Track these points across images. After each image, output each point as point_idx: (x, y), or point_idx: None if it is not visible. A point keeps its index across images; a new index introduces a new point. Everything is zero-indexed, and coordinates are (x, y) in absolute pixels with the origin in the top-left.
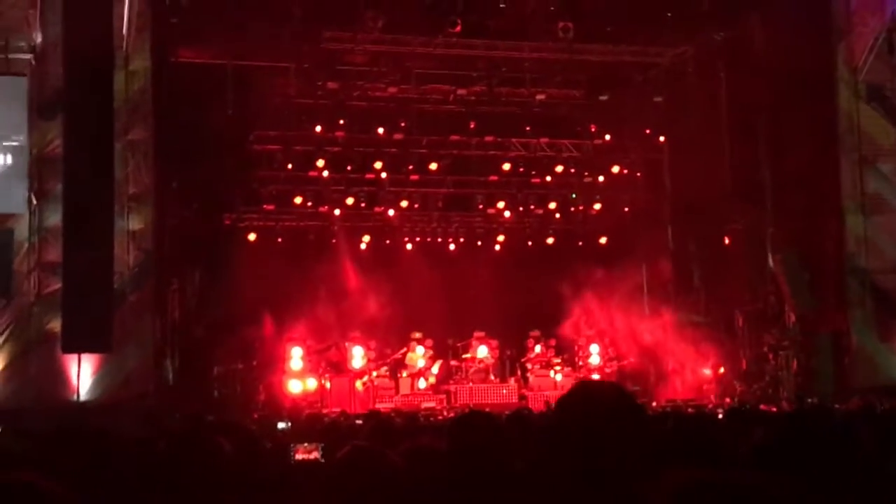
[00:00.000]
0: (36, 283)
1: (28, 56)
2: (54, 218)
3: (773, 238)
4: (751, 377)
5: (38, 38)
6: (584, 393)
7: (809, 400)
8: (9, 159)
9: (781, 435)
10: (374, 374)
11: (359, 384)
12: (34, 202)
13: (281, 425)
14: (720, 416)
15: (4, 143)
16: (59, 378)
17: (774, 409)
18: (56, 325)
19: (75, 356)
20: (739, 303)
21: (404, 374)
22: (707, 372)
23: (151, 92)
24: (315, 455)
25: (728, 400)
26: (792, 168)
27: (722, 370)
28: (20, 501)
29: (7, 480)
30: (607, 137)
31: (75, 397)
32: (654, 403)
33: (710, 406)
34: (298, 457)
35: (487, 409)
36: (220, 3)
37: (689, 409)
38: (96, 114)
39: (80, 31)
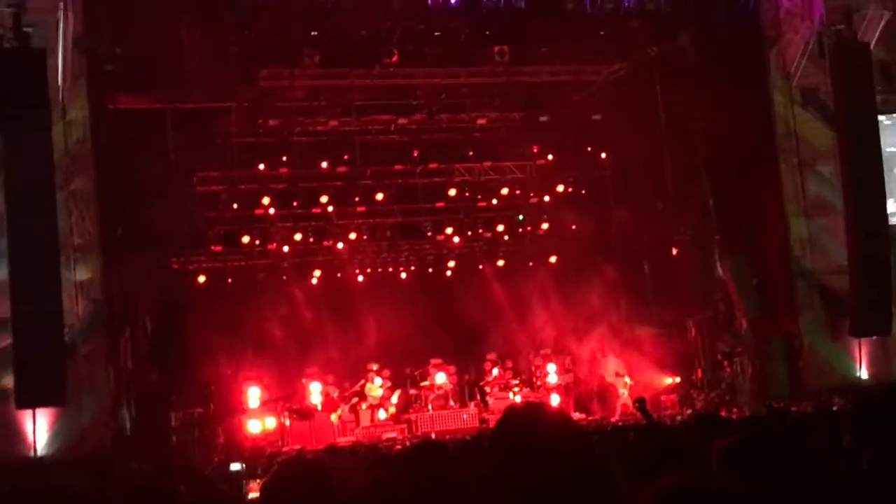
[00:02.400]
0: None
1: None
2: (0, 273)
3: (720, 245)
4: (708, 385)
5: None
6: (511, 422)
7: (770, 404)
8: None
9: (746, 440)
10: (339, 410)
11: (334, 417)
12: None
13: (234, 467)
14: (679, 424)
15: None
16: (14, 434)
17: (735, 416)
18: (8, 381)
19: (30, 411)
20: (691, 311)
21: (364, 407)
22: (664, 382)
23: (91, 140)
24: None
25: (688, 409)
26: (733, 175)
27: (678, 379)
28: None
29: None
30: (550, 157)
31: (32, 453)
32: (613, 417)
33: (671, 415)
34: (251, 495)
35: (449, 436)
36: (155, 47)
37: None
38: (36, 166)
39: (14, 84)
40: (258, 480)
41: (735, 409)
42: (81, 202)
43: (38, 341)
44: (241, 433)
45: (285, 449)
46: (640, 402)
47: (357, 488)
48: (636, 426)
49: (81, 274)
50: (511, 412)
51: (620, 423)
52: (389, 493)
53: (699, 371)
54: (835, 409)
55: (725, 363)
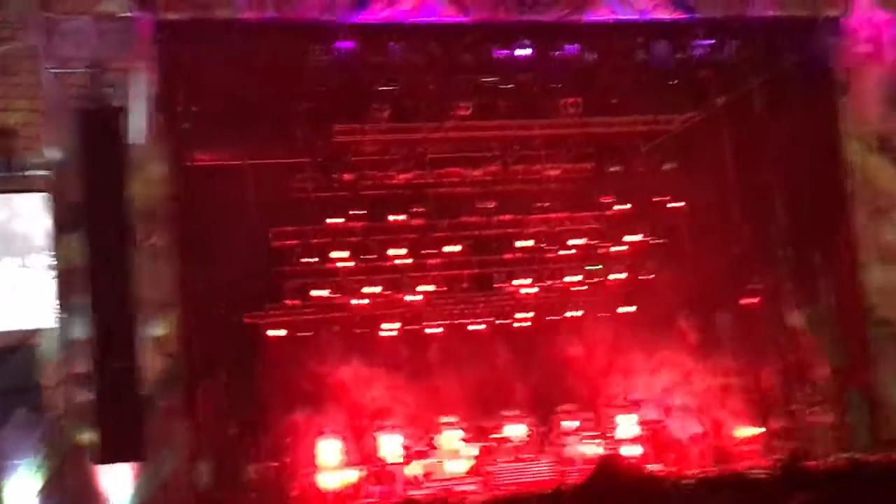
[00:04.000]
0: (64, 397)
1: (46, 172)
2: (80, 331)
3: (794, 295)
4: (787, 436)
5: (55, 154)
6: (601, 479)
7: (851, 454)
8: (34, 275)
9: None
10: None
11: (408, 470)
12: (60, 315)
13: None
14: (765, 477)
15: (28, 260)
16: (94, 492)
17: (818, 467)
18: (87, 437)
19: (109, 467)
20: (767, 362)
21: (439, 460)
22: (743, 433)
23: (169, 197)
24: None
25: (769, 461)
26: (807, 224)
27: (762, 430)
28: None
29: None
30: (625, 206)
31: None
32: (690, 470)
33: (750, 466)
34: None
35: (525, 489)
36: (230, 106)
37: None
38: (115, 224)
39: (93, 142)
40: None
41: (815, 461)
42: (160, 258)
43: (117, 397)
44: (315, 488)
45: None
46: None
47: None
48: (718, 478)
49: (159, 329)
50: (595, 467)
51: (700, 475)
52: None
53: (779, 422)
54: None
55: (805, 413)
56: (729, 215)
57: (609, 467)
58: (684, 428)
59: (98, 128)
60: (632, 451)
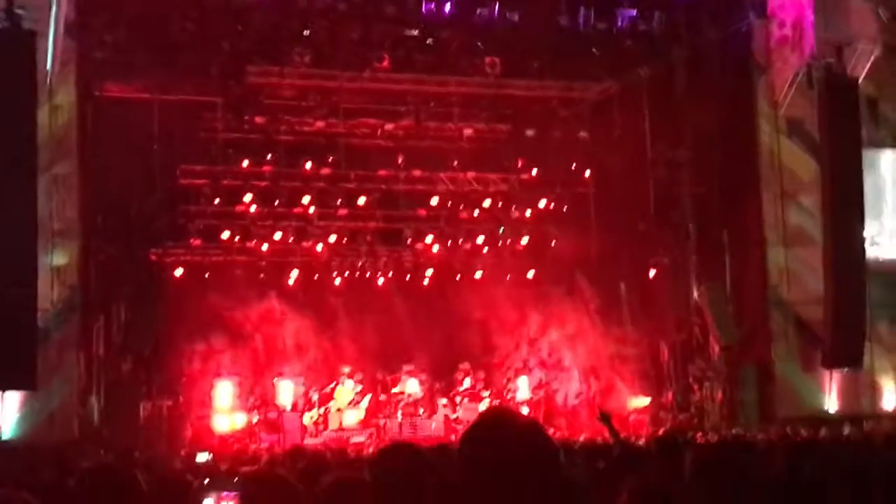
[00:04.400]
0: None
1: None
2: None
3: (697, 270)
4: (677, 408)
5: None
6: (489, 422)
7: (733, 431)
8: None
9: (707, 465)
10: (312, 412)
11: (306, 418)
12: None
13: (201, 458)
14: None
15: None
16: None
17: (700, 440)
18: None
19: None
20: (665, 334)
21: (333, 409)
22: (635, 403)
23: (76, 126)
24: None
25: (658, 430)
26: (715, 201)
27: (649, 400)
28: None
29: None
30: (534, 172)
31: None
32: (581, 437)
33: (637, 436)
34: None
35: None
36: (146, 38)
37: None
38: (20, 148)
39: (2, 64)
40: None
41: (700, 434)
42: (63, 187)
43: (11, 324)
44: (209, 429)
45: (252, 447)
46: (604, 417)
47: (323, 488)
48: (603, 444)
49: (59, 259)
50: (483, 416)
51: (590, 443)
52: (357, 493)
53: (670, 393)
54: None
55: (696, 387)
56: (639, 187)
57: (497, 413)
58: (575, 393)
59: (8, 50)
60: (523, 411)
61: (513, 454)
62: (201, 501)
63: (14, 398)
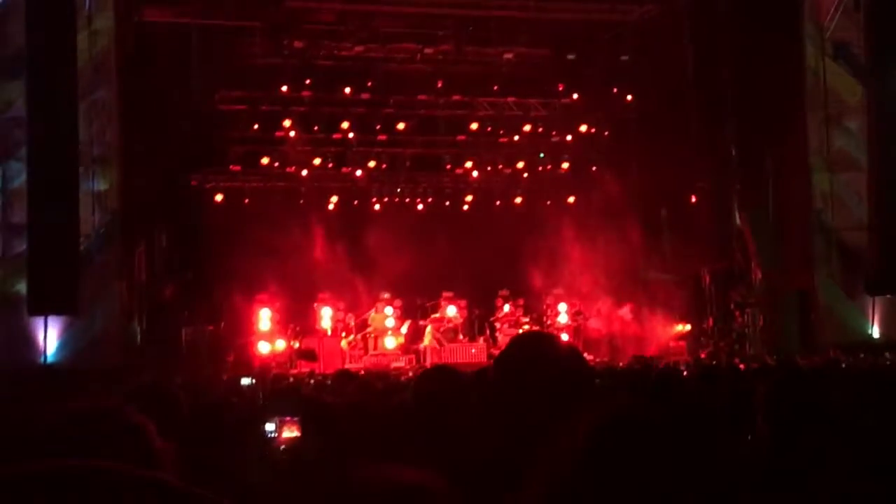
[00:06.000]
0: (1, 246)
1: None
2: (19, 180)
3: (740, 196)
4: (717, 334)
5: None
6: (521, 346)
7: (775, 357)
8: None
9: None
10: (350, 337)
11: (344, 343)
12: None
13: (245, 381)
14: (686, 372)
15: None
16: (25, 341)
17: (742, 366)
18: (22, 287)
19: (41, 319)
20: (706, 260)
21: (371, 335)
22: (675, 329)
23: (115, 52)
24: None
25: (697, 356)
26: (758, 125)
27: (689, 327)
28: None
29: None
30: (575, 96)
31: (42, 360)
32: (622, 364)
33: (678, 362)
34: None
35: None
36: None
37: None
38: (59, 74)
39: None
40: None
41: (736, 360)
42: (103, 113)
43: (53, 249)
44: (250, 353)
45: (293, 371)
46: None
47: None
48: (642, 371)
49: (99, 184)
50: (520, 338)
51: (626, 367)
52: (403, 415)
53: (710, 320)
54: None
55: (737, 313)
56: (681, 112)
57: (533, 338)
58: (615, 320)
59: None
60: (563, 339)
61: (547, 376)
62: (263, 425)
63: (57, 323)
